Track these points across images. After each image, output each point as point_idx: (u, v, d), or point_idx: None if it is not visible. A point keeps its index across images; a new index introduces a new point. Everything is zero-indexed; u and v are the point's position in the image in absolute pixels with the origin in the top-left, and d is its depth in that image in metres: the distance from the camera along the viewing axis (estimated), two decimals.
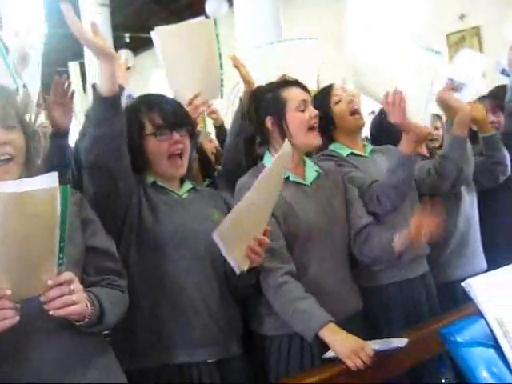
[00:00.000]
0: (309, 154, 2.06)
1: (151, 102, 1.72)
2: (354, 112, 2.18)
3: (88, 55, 8.99)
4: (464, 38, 7.07)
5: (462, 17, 7.10)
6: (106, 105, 1.45)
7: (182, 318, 1.65)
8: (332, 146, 2.20)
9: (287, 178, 1.85)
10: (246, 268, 1.59)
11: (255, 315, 1.85)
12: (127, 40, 11.89)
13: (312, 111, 1.87)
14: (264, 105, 1.90)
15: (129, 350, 1.63)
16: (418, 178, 2.18)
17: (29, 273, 1.13)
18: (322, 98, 2.20)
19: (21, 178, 1.28)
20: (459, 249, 2.37)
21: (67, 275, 1.17)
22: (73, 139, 2.23)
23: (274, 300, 1.74)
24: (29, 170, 1.32)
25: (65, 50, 11.41)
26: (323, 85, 2.35)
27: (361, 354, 1.55)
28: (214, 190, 2.04)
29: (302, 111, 1.86)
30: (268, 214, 1.62)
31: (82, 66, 10.33)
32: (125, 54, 12.11)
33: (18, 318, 1.12)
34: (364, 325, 1.91)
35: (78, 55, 10.11)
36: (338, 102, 2.19)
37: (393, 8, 8.13)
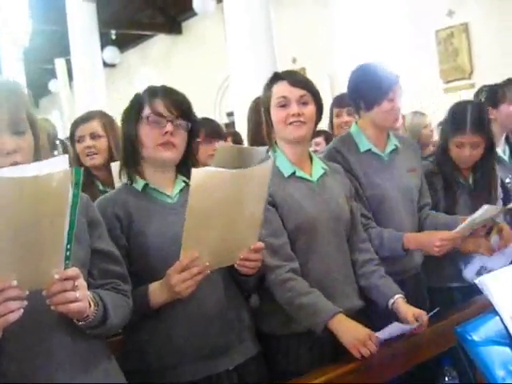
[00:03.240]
0: None
1: (156, 90, 1.66)
2: None
3: (74, 52, 8.86)
4: (452, 35, 7.09)
5: (450, 13, 7.13)
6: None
7: (196, 330, 1.58)
8: None
9: (293, 173, 1.85)
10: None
11: (262, 315, 1.83)
12: (113, 37, 11.76)
13: (292, 109, 1.79)
14: (262, 97, 1.91)
15: (143, 367, 1.58)
16: None
17: (35, 264, 1.09)
18: None
19: None
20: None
21: (73, 270, 1.14)
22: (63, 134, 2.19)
23: (279, 296, 1.74)
24: None
25: (51, 46, 11.30)
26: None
27: (367, 344, 1.57)
28: None
29: (283, 107, 1.81)
30: (256, 221, 1.49)
31: (69, 62, 10.21)
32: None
33: (22, 311, 1.07)
34: (367, 323, 1.90)
35: (65, 52, 10.00)
36: None
37: (380, 4, 8.16)
